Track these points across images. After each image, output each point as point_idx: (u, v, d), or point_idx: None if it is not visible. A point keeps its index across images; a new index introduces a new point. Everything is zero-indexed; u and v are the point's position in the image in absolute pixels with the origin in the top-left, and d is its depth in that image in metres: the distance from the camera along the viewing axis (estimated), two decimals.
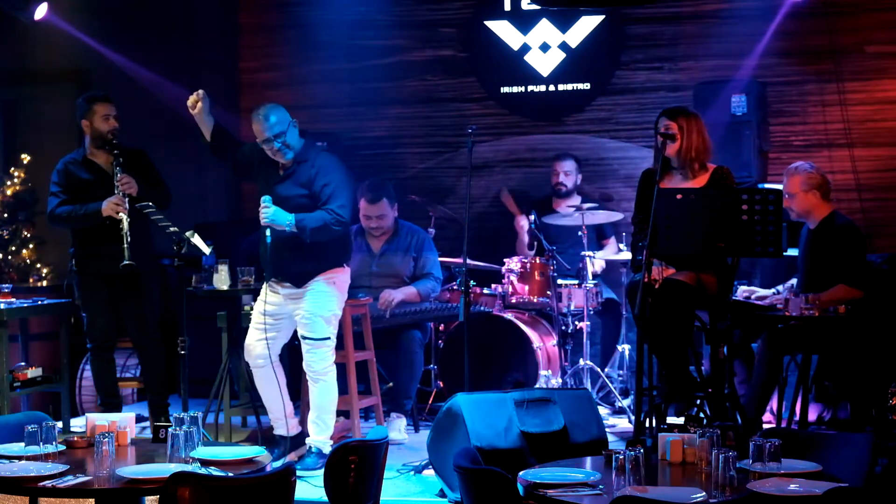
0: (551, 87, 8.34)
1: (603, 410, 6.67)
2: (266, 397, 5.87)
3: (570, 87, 8.32)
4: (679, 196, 5.13)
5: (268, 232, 5.56)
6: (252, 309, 6.01)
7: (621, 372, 7.24)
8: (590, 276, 7.12)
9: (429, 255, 7.05)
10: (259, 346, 5.75)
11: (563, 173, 7.67)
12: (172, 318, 7.22)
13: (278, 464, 5.51)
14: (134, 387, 7.66)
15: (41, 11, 7.89)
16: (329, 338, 5.70)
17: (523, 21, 8.37)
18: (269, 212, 5.51)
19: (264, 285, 5.75)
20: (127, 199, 6.15)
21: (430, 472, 5.40)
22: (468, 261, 6.12)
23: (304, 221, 5.56)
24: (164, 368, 6.54)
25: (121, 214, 6.13)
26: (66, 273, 8.49)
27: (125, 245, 6.06)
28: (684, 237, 5.13)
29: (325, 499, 3.69)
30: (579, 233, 7.20)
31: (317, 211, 5.61)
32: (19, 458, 3.74)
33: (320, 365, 5.68)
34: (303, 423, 5.99)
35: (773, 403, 6.12)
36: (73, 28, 8.40)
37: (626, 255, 7.14)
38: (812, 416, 6.07)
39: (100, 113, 6.33)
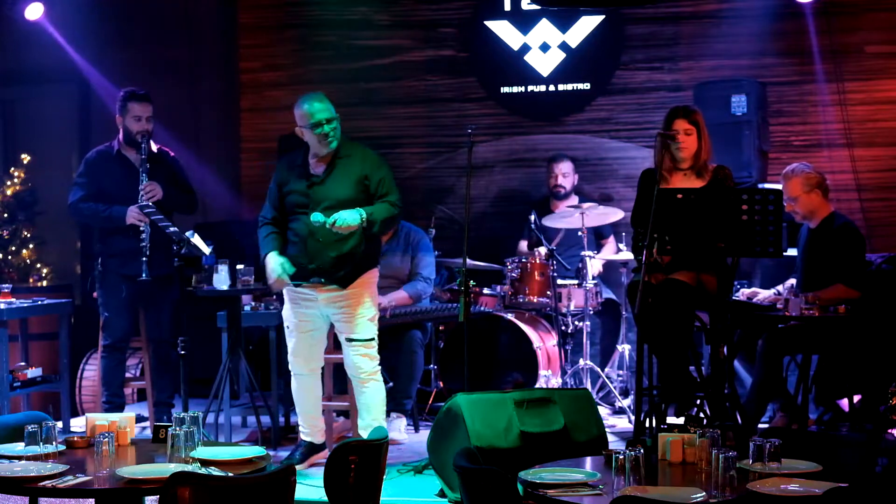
0: (551, 87, 8.34)
1: (603, 410, 6.67)
2: (306, 404, 5.76)
3: (570, 87, 8.32)
4: (679, 196, 5.14)
5: (316, 219, 5.39)
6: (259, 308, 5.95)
7: (621, 372, 7.24)
8: (590, 277, 7.12)
9: (423, 256, 7.05)
10: (310, 355, 5.70)
11: (560, 175, 7.65)
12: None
13: (300, 467, 5.54)
14: (134, 387, 7.67)
15: (34, 11, 7.89)
16: (374, 338, 5.65)
17: (523, 21, 8.36)
18: (341, 218, 5.36)
19: (291, 290, 5.65)
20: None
21: (430, 472, 5.39)
22: (468, 261, 6.11)
23: (373, 215, 5.45)
24: (174, 369, 6.54)
25: (142, 225, 6.13)
26: (66, 273, 8.51)
27: (144, 258, 6.07)
28: (684, 237, 5.13)
29: (325, 499, 3.69)
30: (579, 233, 7.20)
31: (378, 203, 5.51)
32: (19, 458, 3.74)
33: (370, 365, 5.62)
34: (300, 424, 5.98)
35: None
36: (72, 29, 8.41)
37: (626, 256, 7.15)
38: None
39: (133, 112, 6.32)
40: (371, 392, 5.63)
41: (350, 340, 5.59)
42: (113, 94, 6.56)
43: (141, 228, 6.12)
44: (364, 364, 5.60)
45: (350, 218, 5.39)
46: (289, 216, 5.63)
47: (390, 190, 5.57)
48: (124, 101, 6.35)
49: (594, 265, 7.29)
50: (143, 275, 6.07)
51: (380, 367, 5.70)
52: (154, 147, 6.40)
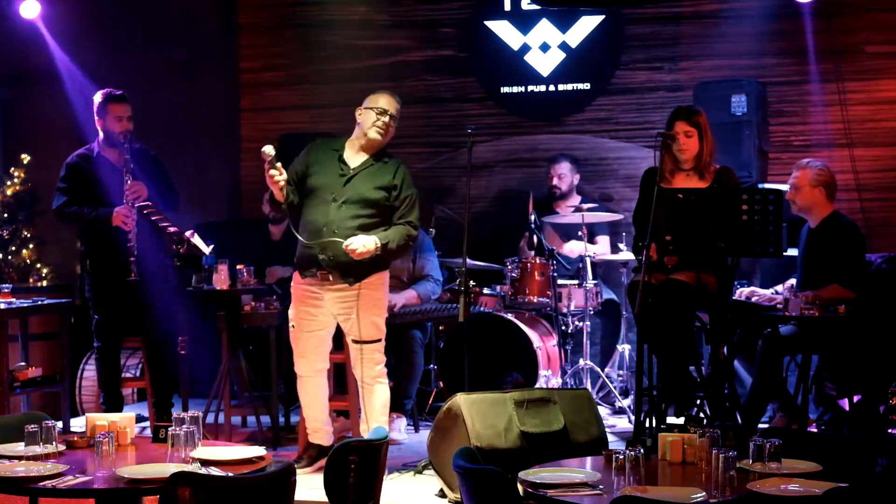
0: (551, 87, 8.34)
1: (603, 410, 6.66)
2: (313, 406, 5.74)
3: (570, 87, 8.32)
4: (680, 196, 5.14)
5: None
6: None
7: (621, 372, 7.24)
8: (590, 276, 7.12)
9: (428, 257, 7.05)
10: (316, 355, 5.67)
11: (556, 177, 7.62)
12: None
13: (308, 470, 5.54)
14: (134, 387, 7.67)
15: (30, 10, 7.89)
16: (381, 340, 5.62)
17: (523, 21, 8.36)
18: (359, 247, 5.36)
19: (298, 286, 5.64)
20: (135, 210, 6.13)
21: (430, 472, 5.40)
22: (468, 261, 6.11)
23: (390, 242, 5.47)
24: (173, 367, 6.54)
25: (128, 225, 6.11)
26: (66, 274, 8.51)
27: (132, 259, 6.06)
28: (684, 237, 5.13)
29: (325, 499, 3.69)
30: (579, 233, 7.19)
31: (396, 227, 5.52)
32: (19, 458, 3.74)
33: (376, 367, 5.60)
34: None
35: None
36: (71, 27, 8.40)
37: (627, 256, 7.14)
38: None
39: (113, 114, 6.30)
40: (375, 394, 5.60)
41: (355, 342, 5.56)
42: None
43: (127, 228, 6.11)
44: (369, 366, 5.57)
45: (367, 241, 5.39)
46: (306, 199, 5.55)
47: (412, 210, 5.58)
48: (103, 103, 6.32)
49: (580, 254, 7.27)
50: (133, 275, 6.06)
51: (386, 370, 5.68)
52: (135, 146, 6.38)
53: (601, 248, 7.54)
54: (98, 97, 6.37)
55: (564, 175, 7.64)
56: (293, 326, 5.65)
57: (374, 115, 5.54)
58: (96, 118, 6.37)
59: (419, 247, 7.06)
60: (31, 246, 8.35)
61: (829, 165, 6.51)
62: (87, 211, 6.26)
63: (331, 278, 5.50)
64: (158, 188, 6.32)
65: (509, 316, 6.98)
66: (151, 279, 6.30)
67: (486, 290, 7.29)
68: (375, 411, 5.61)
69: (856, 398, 5.78)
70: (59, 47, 8.24)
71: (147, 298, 6.36)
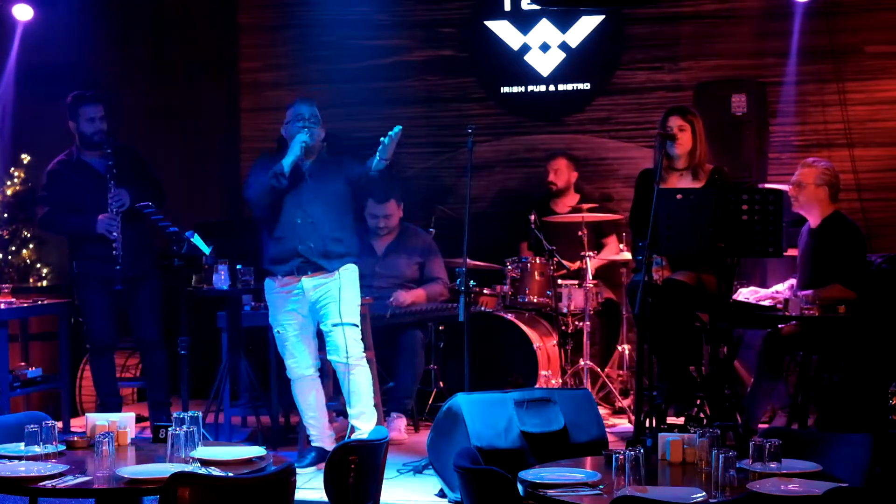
0: (551, 87, 8.34)
1: (603, 410, 6.66)
2: (311, 409, 5.79)
3: (570, 87, 8.32)
4: (679, 196, 5.14)
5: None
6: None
7: (621, 372, 7.24)
8: (590, 276, 7.11)
9: (435, 259, 7.07)
10: (307, 353, 5.72)
11: (552, 172, 7.64)
12: (172, 319, 7.21)
13: (311, 469, 5.54)
14: (134, 387, 7.67)
15: (24, 13, 7.88)
16: (359, 325, 5.71)
17: (523, 21, 8.37)
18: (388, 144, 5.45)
19: (275, 291, 5.70)
20: (120, 215, 6.10)
21: (430, 472, 5.39)
22: (468, 261, 6.11)
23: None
24: (167, 368, 6.53)
25: (113, 234, 6.08)
26: (66, 273, 8.51)
27: (117, 267, 6.04)
28: (684, 237, 5.13)
29: (325, 499, 3.70)
30: (579, 233, 7.19)
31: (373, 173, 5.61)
32: (19, 458, 3.74)
33: (359, 348, 5.66)
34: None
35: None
36: (72, 27, 8.39)
37: (627, 256, 7.14)
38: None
39: (85, 116, 6.20)
40: (360, 377, 5.65)
41: (338, 325, 5.60)
42: (111, 94, 6.49)
43: (113, 236, 6.07)
44: (354, 347, 5.63)
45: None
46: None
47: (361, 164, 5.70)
48: (74, 106, 6.22)
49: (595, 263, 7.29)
50: (118, 285, 6.06)
51: (366, 354, 5.73)
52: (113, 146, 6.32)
53: (611, 248, 7.54)
54: (68, 100, 6.28)
55: (560, 170, 7.64)
56: (279, 332, 5.72)
57: (298, 126, 5.64)
58: (69, 122, 6.28)
59: (428, 250, 7.08)
60: (31, 246, 8.34)
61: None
62: (71, 219, 6.21)
63: (310, 272, 5.60)
64: (141, 188, 6.24)
65: (509, 316, 6.98)
66: (142, 281, 6.28)
67: (486, 290, 7.28)
68: (363, 393, 5.65)
69: (856, 398, 5.77)
70: (71, 47, 8.24)
71: (134, 300, 6.33)
